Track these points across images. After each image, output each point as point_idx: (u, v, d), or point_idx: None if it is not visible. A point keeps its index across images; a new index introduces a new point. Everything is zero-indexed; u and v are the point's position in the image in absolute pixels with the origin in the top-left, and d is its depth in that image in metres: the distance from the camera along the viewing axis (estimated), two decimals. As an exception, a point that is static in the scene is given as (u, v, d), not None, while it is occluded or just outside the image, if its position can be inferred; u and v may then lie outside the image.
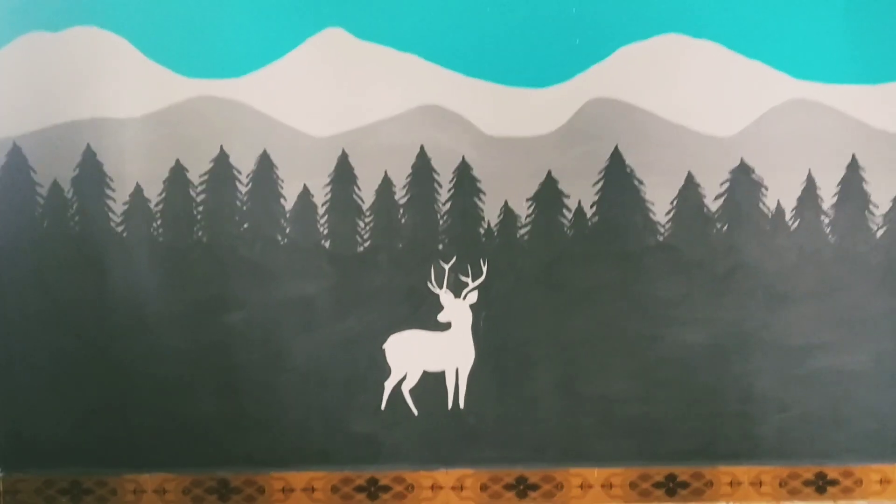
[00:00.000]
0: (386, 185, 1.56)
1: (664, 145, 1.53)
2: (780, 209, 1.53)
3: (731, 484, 1.56)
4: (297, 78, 1.53)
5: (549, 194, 1.54)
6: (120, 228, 1.57)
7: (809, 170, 1.52)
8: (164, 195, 1.56)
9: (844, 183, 1.52)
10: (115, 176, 1.56)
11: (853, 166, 1.52)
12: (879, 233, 1.53)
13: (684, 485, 1.57)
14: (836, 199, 1.53)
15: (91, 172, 1.56)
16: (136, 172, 1.56)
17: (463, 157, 1.54)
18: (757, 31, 1.50)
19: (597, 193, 1.54)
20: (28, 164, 1.56)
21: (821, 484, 1.56)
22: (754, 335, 1.55)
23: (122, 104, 1.55)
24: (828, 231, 1.53)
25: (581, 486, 1.58)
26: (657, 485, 1.58)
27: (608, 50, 1.51)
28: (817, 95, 1.50)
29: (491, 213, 1.56)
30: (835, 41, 1.49)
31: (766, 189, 1.53)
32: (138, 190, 1.56)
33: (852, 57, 1.49)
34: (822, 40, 1.49)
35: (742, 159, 1.53)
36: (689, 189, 1.54)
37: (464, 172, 1.55)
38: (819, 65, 1.50)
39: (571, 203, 1.55)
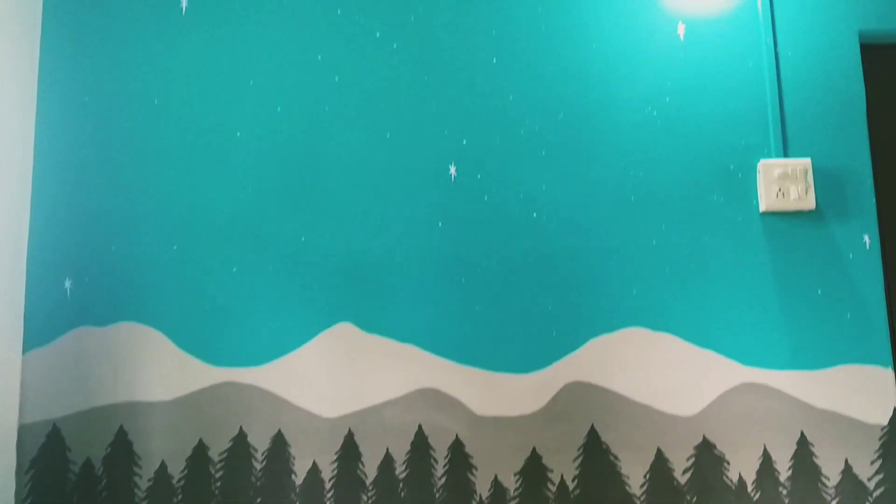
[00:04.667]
0: (387, 461, 1.73)
1: (634, 424, 1.72)
2: (741, 481, 1.70)
3: None
4: (311, 366, 1.75)
5: (534, 469, 1.72)
6: (143, 504, 1.72)
7: (765, 445, 1.71)
8: (185, 472, 1.73)
9: (797, 458, 1.70)
10: (143, 454, 1.73)
11: (803, 442, 1.71)
12: (833, 503, 1.69)
13: None
14: (790, 472, 1.70)
15: (121, 451, 1.73)
16: (162, 451, 1.73)
17: (456, 435, 1.73)
18: (707, 326, 1.74)
19: (577, 468, 1.71)
20: (65, 444, 1.74)
21: None
22: None
23: (155, 389, 1.75)
24: (786, 502, 1.69)
25: None
26: None
27: (581, 341, 1.75)
28: (765, 380, 1.72)
29: (482, 487, 1.71)
30: (775, 335, 1.73)
31: (728, 463, 1.70)
32: (163, 467, 1.73)
33: (791, 348, 1.73)
34: (764, 334, 1.73)
35: (704, 436, 1.71)
36: (660, 463, 1.71)
37: (457, 449, 1.73)
38: (764, 354, 1.73)
39: (555, 477, 1.71)
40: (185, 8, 1.89)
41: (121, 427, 1.74)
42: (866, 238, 1.76)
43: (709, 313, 1.75)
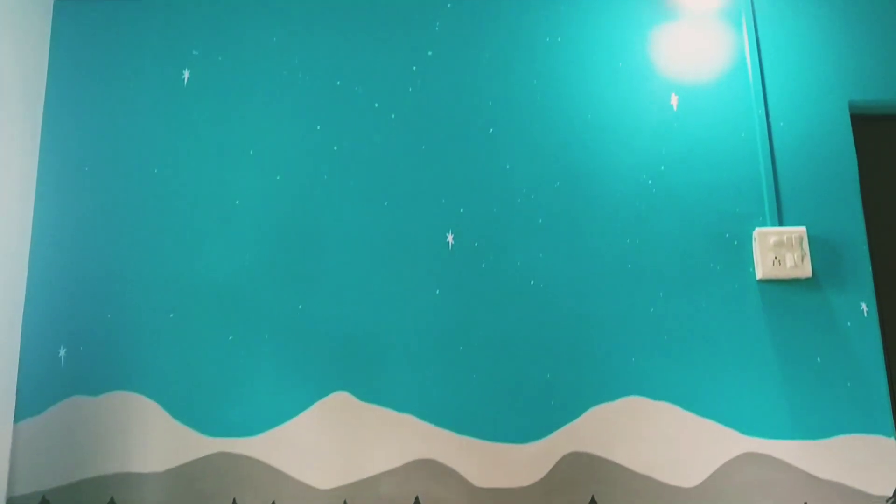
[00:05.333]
0: (383, 534, 1.69)
1: (635, 495, 1.69)
2: (746, 556, 1.67)
3: None
4: (307, 436, 1.72)
5: (533, 543, 1.68)
6: (132, 580, 1.67)
7: (768, 518, 1.68)
8: (177, 547, 1.69)
9: (802, 531, 1.67)
10: (134, 528, 1.70)
11: (807, 514, 1.68)
12: (840, 579, 1.65)
13: None
14: (796, 546, 1.67)
15: (111, 525, 1.70)
16: (153, 525, 1.70)
17: (454, 508, 1.70)
18: (707, 395, 1.73)
19: (578, 542, 1.68)
20: (54, 518, 1.70)
21: None
22: None
23: (148, 460, 1.72)
24: (792, 577, 1.65)
25: None
26: None
27: (580, 410, 1.73)
28: (766, 450, 1.70)
29: (481, 563, 1.68)
30: (776, 404, 1.71)
31: (731, 536, 1.67)
32: (154, 541, 1.69)
33: (792, 417, 1.71)
34: (764, 403, 1.71)
35: (707, 508, 1.69)
36: (662, 537, 1.68)
37: (455, 522, 1.69)
38: (764, 423, 1.71)
39: (555, 552, 1.68)
40: (187, 79, 1.93)
41: (111, 499, 1.71)
42: (864, 306, 1.76)
43: (708, 382, 1.74)
